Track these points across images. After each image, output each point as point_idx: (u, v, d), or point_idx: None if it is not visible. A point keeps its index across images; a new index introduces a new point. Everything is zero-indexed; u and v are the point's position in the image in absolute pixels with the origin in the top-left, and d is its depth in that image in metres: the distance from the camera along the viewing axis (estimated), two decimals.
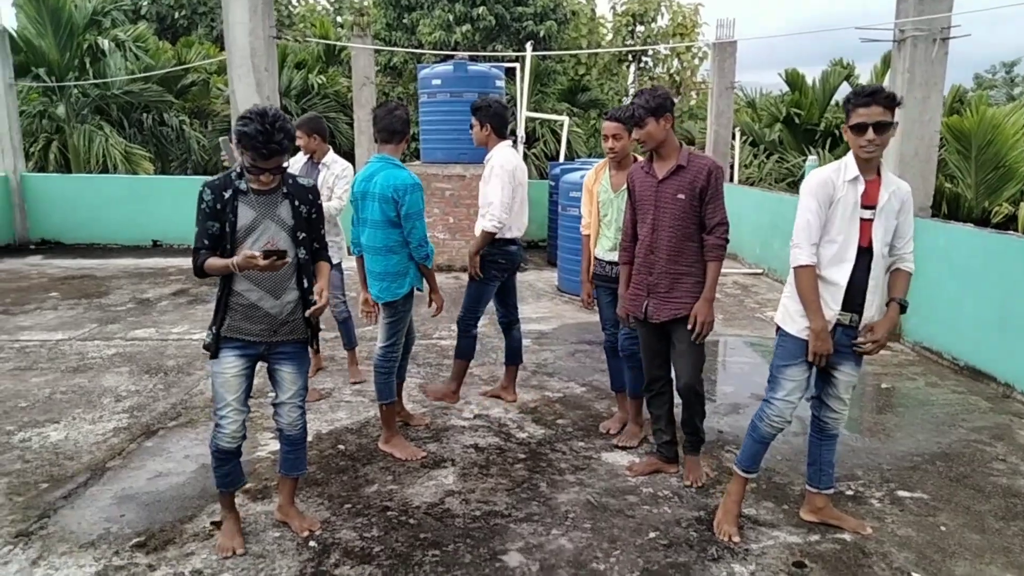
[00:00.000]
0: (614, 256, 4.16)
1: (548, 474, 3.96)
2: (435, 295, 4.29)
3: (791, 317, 3.25)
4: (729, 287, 8.83)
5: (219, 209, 2.94)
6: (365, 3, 21.28)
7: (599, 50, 19.29)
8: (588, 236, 4.39)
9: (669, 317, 3.64)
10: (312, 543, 3.24)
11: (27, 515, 3.45)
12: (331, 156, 5.11)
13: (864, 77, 15.78)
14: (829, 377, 3.29)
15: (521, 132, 11.63)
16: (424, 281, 4.20)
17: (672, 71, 22.40)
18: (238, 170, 3.00)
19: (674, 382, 3.82)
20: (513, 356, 5.03)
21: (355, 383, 5.27)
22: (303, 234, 3.08)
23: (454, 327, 4.95)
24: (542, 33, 17.59)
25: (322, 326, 3.60)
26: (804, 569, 3.13)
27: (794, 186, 13.35)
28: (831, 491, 3.48)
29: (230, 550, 3.13)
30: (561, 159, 12.36)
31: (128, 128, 14.35)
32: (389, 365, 4.16)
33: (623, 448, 4.27)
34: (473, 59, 11.32)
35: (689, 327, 3.58)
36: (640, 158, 4.04)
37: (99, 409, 4.78)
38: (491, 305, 4.89)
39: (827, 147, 14.42)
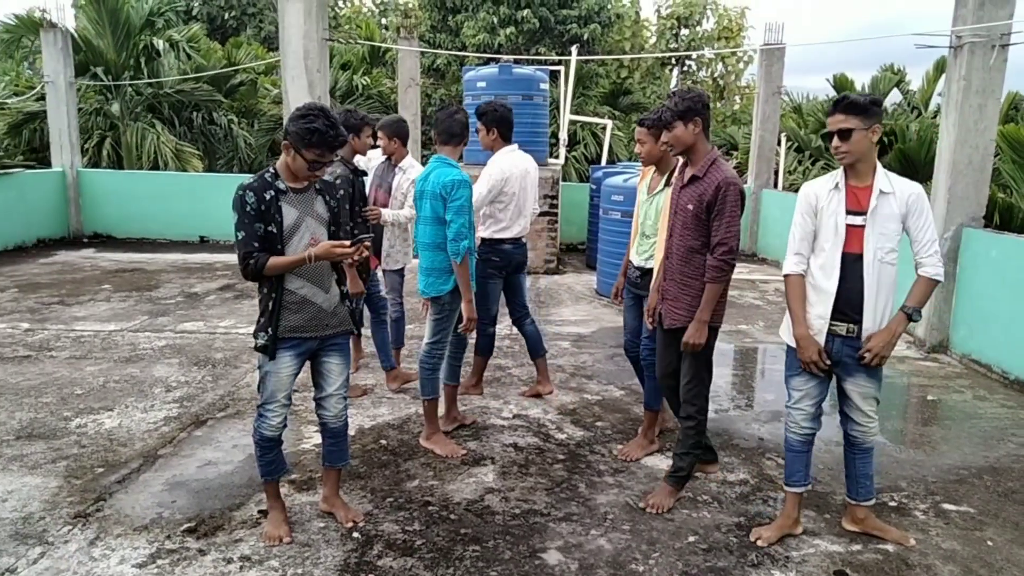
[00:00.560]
0: (640, 261, 4.19)
1: (587, 475, 3.99)
2: (465, 305, 4.06)
3: (787, 328, 3.34)
4: (771, 294, 8.73)
5: (263, 210, 2.98)
6: (410, 5, 21.51)
7: (643, 55, 19.21)
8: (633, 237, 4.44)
9: (669, 325, 3.64)
10: (356, 534, 3.32)
11: (84, 497, 3.59)
12: (408, 160, 5.10)
13: (916, 83, 15.47)
14: (844, 390, 3.28)
15: (564, 135, 11.65)
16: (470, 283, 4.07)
17: (716, 75, 22.18)
18: (272, 171, 3.06)
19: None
20: (535, 349, 5.10)
21: (398, 386, 5.24)
22: (334, 227, 3.20)
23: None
24: (586, 36, 17.58)
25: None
26: None
27: None
28: (870, 502, 3.43)
29: (277, 538, 3.22)
30: (603, 162, 12.35)
31: (178, 126, 14.71)
32: (434, 361, 4.21)
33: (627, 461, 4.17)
34: (517, 62, 11.38)
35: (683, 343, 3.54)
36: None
37: (150, 398, 4.94)
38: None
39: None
